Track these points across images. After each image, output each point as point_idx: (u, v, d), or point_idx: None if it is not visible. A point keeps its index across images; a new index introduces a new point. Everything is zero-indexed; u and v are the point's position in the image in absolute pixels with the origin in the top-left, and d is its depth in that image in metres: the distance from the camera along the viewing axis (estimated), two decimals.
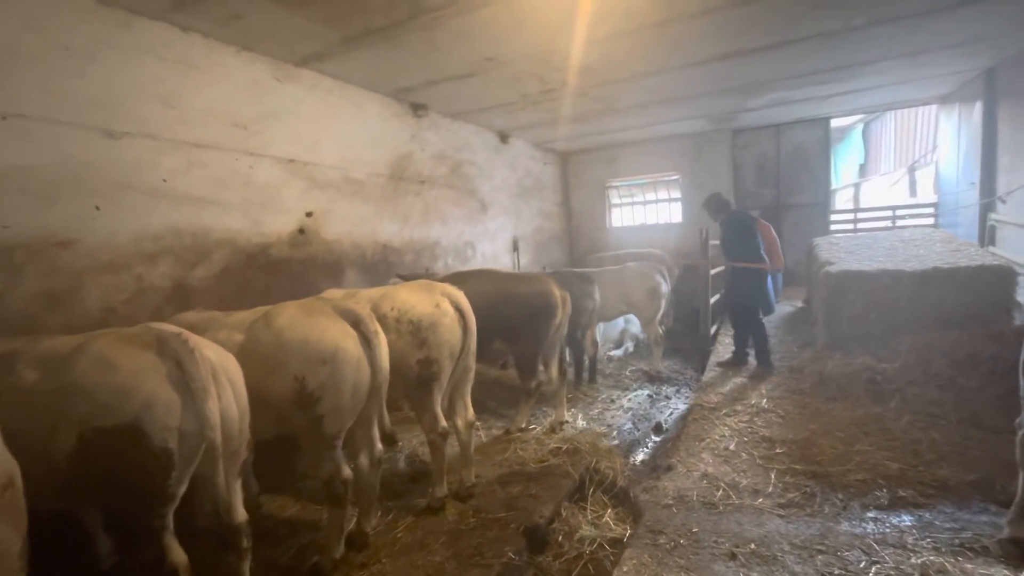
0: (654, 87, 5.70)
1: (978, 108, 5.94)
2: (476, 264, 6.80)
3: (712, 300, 6.17)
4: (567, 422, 4.25)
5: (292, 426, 2.22)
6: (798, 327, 5.99)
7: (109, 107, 3.31)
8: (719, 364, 5.12)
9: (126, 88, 3.40)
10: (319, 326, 2.17)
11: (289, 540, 2.75)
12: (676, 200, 8.92)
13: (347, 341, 2.18)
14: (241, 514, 2.00)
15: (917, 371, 3.88)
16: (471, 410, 3.05)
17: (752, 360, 5.09)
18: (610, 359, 6.30)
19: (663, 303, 5.71)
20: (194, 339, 1.92)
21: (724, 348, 5.91)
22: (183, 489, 1.87)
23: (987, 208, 5.83)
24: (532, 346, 3.94)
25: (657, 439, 4.25)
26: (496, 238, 7.31)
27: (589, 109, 6.49)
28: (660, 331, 5.83)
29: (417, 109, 5.81)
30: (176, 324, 2.25)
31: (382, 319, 2.70)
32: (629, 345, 6.84)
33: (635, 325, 7.08)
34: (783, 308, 7.41)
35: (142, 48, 3.50)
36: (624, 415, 4.62)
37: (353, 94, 5.07)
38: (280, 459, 3.33)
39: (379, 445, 2.54)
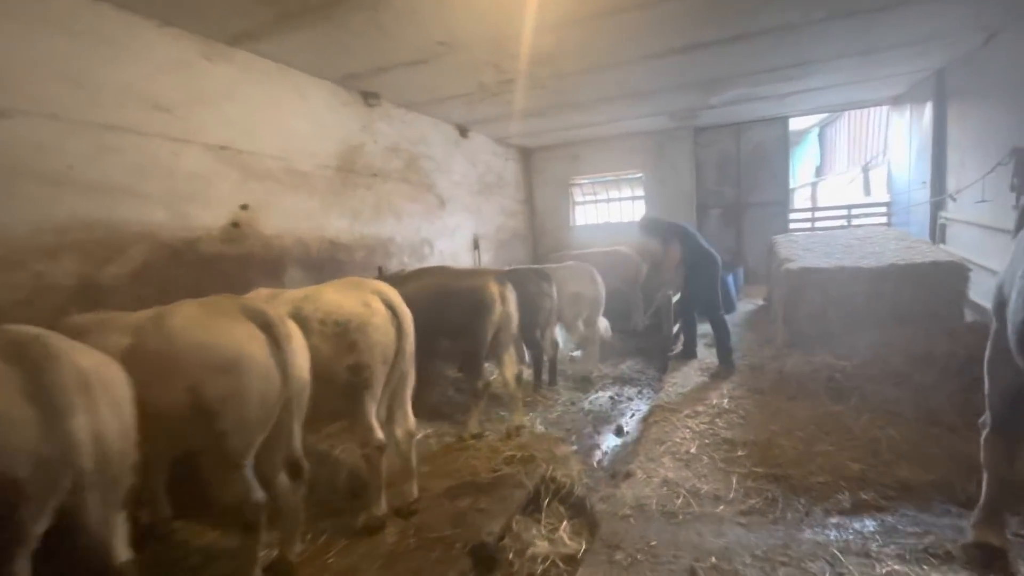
0: (614, 81, 5.56)
1: (928, 109, 6.05)
2: (434, 263, 6.52)
3: (674, 299, 6.09)
4: (524, 427, 4.04)
5: (189, 444, 1.91)
6: (759, 325, 5.97)
7: (1, 83, 2.90)
8: (669, 356, 5.09)
9: (24, 63, 2.99)
10: (219, 328, 1.86)
11: (202, 572, 2.42)
12: (640, 198, 8.86)
13: (252, 346, 1.88)
14: (121, 553, 1.68)
15: (875, 368, 3.85)
16: (412, 419, 2.79)
17: (713, 358, 5.04)
18: (572, 359, 6.12)
19: (586, 309, 5.41)
20: (61, 344, 1.60)
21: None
22: (42, 526, 1.55)
23: (938, 206, 5.94)
24: (473, 344, 3.78)
25: (618, 442, 4.08)
26: (455, 236, 7.05)
27: (550, 103, 6.31)
28: (574, 333, 5.55)
29: (368, 98, 5.49)
30: (64, 327, 1.92)
31: (304, 321, 2.42)
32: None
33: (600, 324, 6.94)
34: (744, 306, 7.44)
35: (43, 19, 3.10)
36: (584, 418, 4.43)
37: (297, 79, 4.72)
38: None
39: (303, 462, 2.25)
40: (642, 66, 5.14)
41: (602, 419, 4.45)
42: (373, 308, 2.47)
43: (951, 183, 5.72)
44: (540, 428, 4.13)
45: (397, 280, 4.50)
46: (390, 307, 2.53)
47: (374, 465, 2.58)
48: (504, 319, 3.86)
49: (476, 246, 7.48)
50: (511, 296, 3.98)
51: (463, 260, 7.19)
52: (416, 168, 6.32)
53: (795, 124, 9.25)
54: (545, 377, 5.15)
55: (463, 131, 7.23)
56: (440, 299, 3.78)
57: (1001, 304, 2.07)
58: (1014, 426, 2.18)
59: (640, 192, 8.83)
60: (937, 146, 5.96)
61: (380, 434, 2.54)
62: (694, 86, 5.98)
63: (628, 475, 3.24)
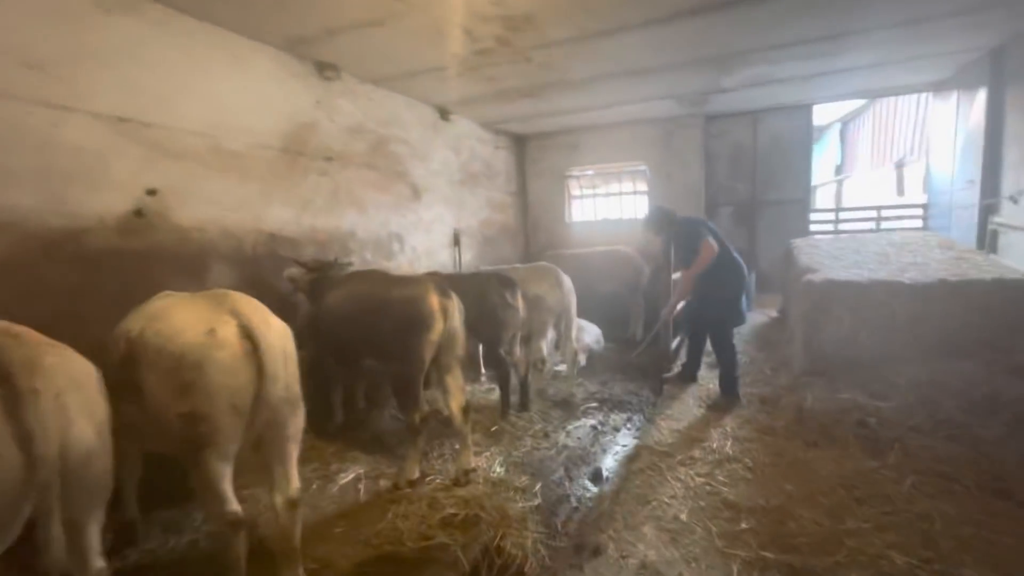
0: (610, 54, 4.74)
1: (981, 95, 5.16)
2: (405, 261, 5.79)
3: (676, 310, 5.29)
4: (475, 470, 3.29)
5: None
6: (772, 343, 5.15)
7: None
8: (664, 379, 4.30)
9: None
10: None
11: None
12: (643, 193, 8.03)
13: None
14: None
15: (921, 414, 3.04)
16: (295, 482, 2.05)
17: (715, 382, 4.25)
18: (556, 375, 5.36)
19: (550, 316, 4.52)
20: None
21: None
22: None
23: (989, 210, 5.07)
24: (407, 367, 3.10)
25: (594, 491, 3.33)
26: (432, 230, 6.29)
27: (539, 81, 5.51)
28: (544, 354, 4.57)
29: (324, 69, 4.73)
30: None
31: (142, 349, 1.71)
32: (581, 358, 5.90)
33: (589, 334, 6.17)
34: (754, 317, 6.60)
35: None
36: (557, 457, 3.67)
37: (232, 43, 3.98)
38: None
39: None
40: (642, 35, 4.32)
41: (578, 459, 3.68)
42: (219, 339, 1.73)
43: (1007, 183, 4.84)
44: (498, 470, 3.38)
45: (331, 281, 3.80)
46: (249, 337, 1.79)
47: (229, 548, 1.85)
48: (447, 338, 3.18)
49: (456, 242, 6.72)
50: (456, 309, 3.27)
51: (440, 258, 6.44)
52: (385, 153, 5.56)
53: (815, 119, 8.33)
54: (515, 399, 4.40)
55: (444, 114, 6.45)
56: (367, 311, 3.16)
57: None
58: None
59: (644, 187, 7.99)
60: (990, 140, 5.07)
61: (234, 506, 1.81)
62: (705, 63, 5.13)
63: (597, 552, 2.50)
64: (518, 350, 4.53)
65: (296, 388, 2.02)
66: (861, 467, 2.91)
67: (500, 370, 4.12)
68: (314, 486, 3.14)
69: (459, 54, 4.63)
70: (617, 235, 7.79)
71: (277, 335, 1.94)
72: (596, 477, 3.44)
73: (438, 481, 3.15)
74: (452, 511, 2.76)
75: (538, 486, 3.22)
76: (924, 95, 6.55)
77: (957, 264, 3.89)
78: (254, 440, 1.92)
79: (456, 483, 3.11)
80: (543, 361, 4.52)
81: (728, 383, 4.03)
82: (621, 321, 7.13)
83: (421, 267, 5.92)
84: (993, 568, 2.16)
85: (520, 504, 2.92)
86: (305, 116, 4.62)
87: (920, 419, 3.01)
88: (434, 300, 3.11)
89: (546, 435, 4.00)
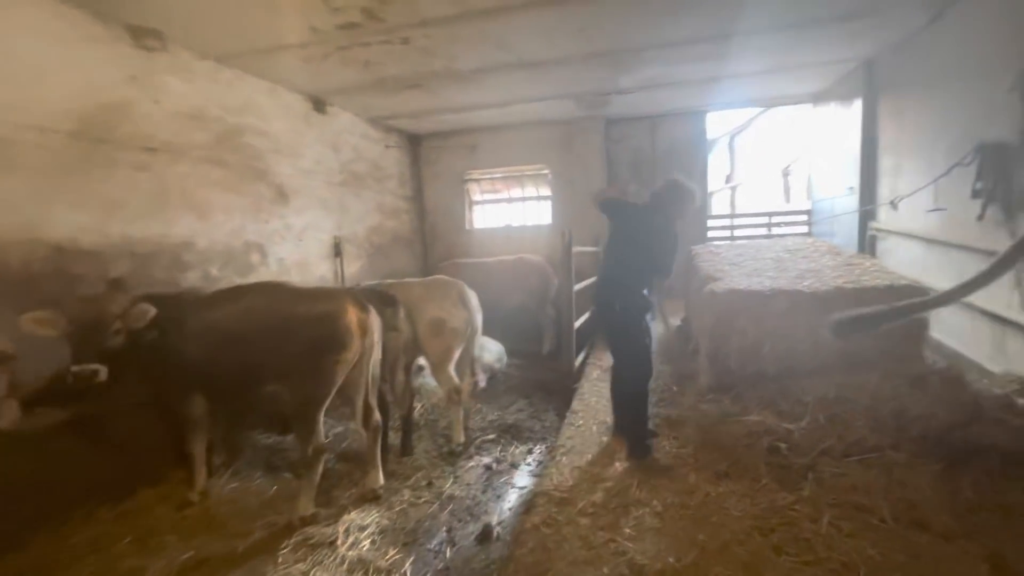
0: (499, 39, 4.24)
1: (857, 106, 5.34)
2: (268, 276, 4.84)
3: (577, 323, 4.89)
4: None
5: None
6: (675, 355, 4.89)
7: None
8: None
9: None
10: None
11: None
12: (547, 198, 7.67)
13: None
14: None
15: (831, 436, 2.79)
16: None
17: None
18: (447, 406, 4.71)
19: (457, 340, 3.84)
20: None
21: (590, 385, 4.63)
22: None
23: (867, 216, 5.23)
24: (311, 390, 2.85)
25: (481, 556, 2.72)
26: (305, 239, 5.39)
27: (425, 69, 4.88)
28: (457, 382, 3.86)
29: (142, 36, 3.74)
30: None
31: None
32: (481, 379, 5.31)
33: (490, 352, 5.61)
34: (657, 327, 6.43)
35: None
36: (440, 513, 3.03)
37: None
38: None
39: None
40: (530, 18, 3.85)
41: (466, 512, 3.07)
42: None
43: (883, 190, 5.01)
44: (362, 544, 2.66)
45: (187, 305, 2.93)
46: None
47: None
48: (364, 356, 3.00)
49: (338, 253, 5.86)
50: (376, 325, 3.07)
51: (317, 271, 5.56)
52: (238, 146, 4.61)
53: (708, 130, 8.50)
54: (397, 441, 3.70)
55: (319, 104, 5.60)
56: (274, 328, 2.80)
57: None
58: None
59: (547, 191, 7.63)
60: (867, 148, 5.25)
61: None
62: (600, 58, 4.80)
63: None
64: (401, 380, 3.83)
65: None
66: (775, 502, 2.57)
67: (378, 406, 3.39)
68: None
69: (320, 28, 3.88)
70: (522, 243, 7.36)
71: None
72: (485, 537, 2.84)
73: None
74: None
75: (409, 562, 2.55)
76: (806, 106, 6.79)
77: (849, 270, 3.82)
78: None
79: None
80: (458, 391, 3.84)
81: (636, 435, 3.15)
82: (528, 335, 6.67)
83: (292, 282, 5.01)
84: None
85: None
86: (113, 94, 3.61)
87: (831, 442, 2.76)
88: (352, 316, 2.88)
89: (429, 484, 3.35)
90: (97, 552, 2.68)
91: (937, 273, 3.96)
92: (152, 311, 2.72)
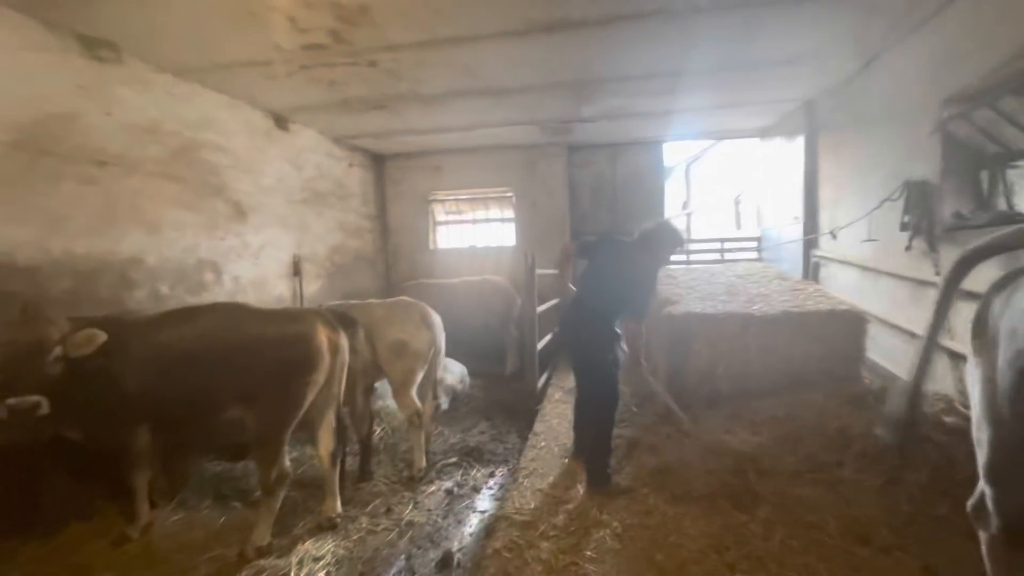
0: (466, 66, 4.34)
1: (800, 141, 5.73)
2: (222, 295, 4.67)
3: (540, 344, 4.95)
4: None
5: None
6: (631, 375, 4.99)
7: None
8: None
9: None
10: None
11: None
12: (510, 220, 7.77)
13: None
14: None
15: (783, 453, 2.91)
16: None
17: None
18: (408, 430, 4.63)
19: (419, 363, 3.80)
20: None
21: (552, 407, 4.67)
22: None
23: (810, 244, 5.57)
24: (279, 414, 2.79)
25: None
26: (262, 258, 5.24)
27: (391, 92, 4.92)
28: (419, 405, 3.79)
29: (95, 47, 3.62)
30: None
31: None
32: (443, 401, 5.25)
33: (451, 373, 5.56)
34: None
35: None
36: (399, 541, 2.95)
37: None
38: None
39: None
40: (497, 48, 3.97)
41: (426, 539, 3.00)
42: None
43: (824, 220, 5.36)
44: (328, 564, 2.56)
45: (128, 329, 2.77)
46: None
47: None
48: (332, 377, 2.98)
49: (297, 272, 5.72)
50: (344, 345, 3.05)
51: (273, 291, 5.40)
52: (194, 162, 4.48)
53: (666, 159, 8.91)
54: (355, 468, 3.60)
55: (280, 121, 5.53)
56: (239, 350, 2.74)
57: None
58: None
59: (511, 213, 7.74)
60: (809, 181, 5.62)
61: None
62: (563, 88, 4.98)
63: None
64: (360, 403, 3.74)
65: None
66: (730, 522, 2.65)
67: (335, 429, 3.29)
68: None
69: (285, 47, 3.86)
70: (485, 263, 7.41)
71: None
72: (445, 564, 2.78)
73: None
74: None
75: None
76: (755, 139, 7.22)
77: (795, 296, 4.06)
78: None
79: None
80: (419, 415, 3.77)
81: (595, 465, 3.17)
82: (490, 355, 6.67)
83: (249, 302, 4.84)
84: None
85: None
86: (60, 104, 3.45)
87: (783, 459, 2.88)
88: (323, 336, 2.88)
89: (388, 510, 3.26)
90: None
91: (872, 298, 4.25)
92: (101, 336, 2.54)
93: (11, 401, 2.31)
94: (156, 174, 4.12)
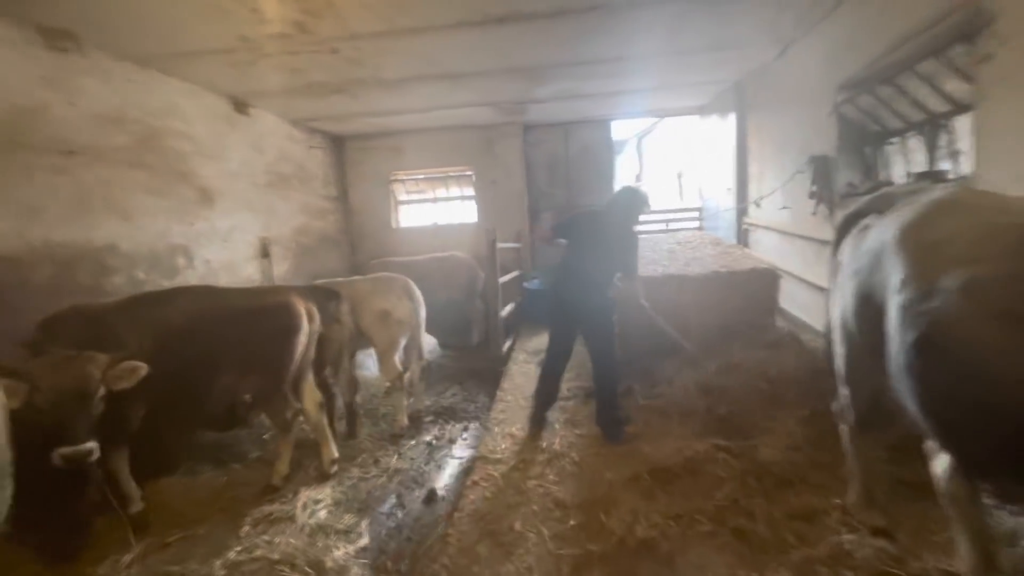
0: (424, 53, 4.60)
1: (732, 119, 6.31)
2: (194, 278, 4.83)
3: (504, 312, 5.39)
4: (335, 469, 3.43)
5: None
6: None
7: None
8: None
9: None
10: None
11: None
12: (470, 198, 8.10)
13: None
14: None
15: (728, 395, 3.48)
16: None
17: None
18: (389, 392, 5.01)
19: (402, 331, 4.27)
20: None
21: (517, 367, 5.15)
22: None
23: (741, 212, 6.22)
24: (276, 372, 3.17)
25: (428, 514, 3.12)
26: (231, 241, 5.40)
27: (352, 77, 5.11)
28: (401, 370, 4.20)
29: (55, 38, 3.68)
30: None
31: None
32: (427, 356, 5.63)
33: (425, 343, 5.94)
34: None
35: None
36: (390, 483, 3.38)
37: None
38: None
39: None
40: (454, 37, 4.26)
41: (412, 481, 3.45)
42: None
43: (752, 191, 6.00)
44: (319, 514, 2.95)
45: (106, 310, 2.95)
46: None
47: None
48: (310, 339, 3.35)
49: (266, 254, 5.89)
50: (316, 313, 3.41)
51: (245, 272, 5.58)
52: (160, 149, 4.57)
53: (617, 133, 9.41)
54: (343, 428, 3.97)
55: (240, 106, 5.61)
56: (225, 324, 3.04)
57: (867, 316, 1.84)
58: (873, 422, 2.28)
59: (471, 191, 8.07)
60: (740, 155, 6.23)
61: None
62: (517, 72, 5.32)
63: None
64: (346, 369, 4.10)
65: None
66: (679, 448, 3.17)
67: (324, 394, 3.64)
68: None
69: (250, 37, 4.01)
70: (448, 240, 7.73)
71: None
72: (430, 498, 3.24)
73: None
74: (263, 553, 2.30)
75: (364, 523, 2.90)
76: (694, 117, 7.79)
77: (725, 258, 4.65)
78: None
79: (325, 474, 3.35)
80: (401, 379, 4.17)
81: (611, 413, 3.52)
82: (458, 328, 7.06)
83: (221, 284, 5.02)
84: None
85: (343, 550, 2.57)
86: (26, 97, 3.53)
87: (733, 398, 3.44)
88: (299, 304, 3.24)
89: (376, 461, 3.67)
90: None
91: (789, 258, 4.92)
92: (143, 369, 2.50)
93: (65, 451, 2.22)
94: (124, 163, 4.22)
